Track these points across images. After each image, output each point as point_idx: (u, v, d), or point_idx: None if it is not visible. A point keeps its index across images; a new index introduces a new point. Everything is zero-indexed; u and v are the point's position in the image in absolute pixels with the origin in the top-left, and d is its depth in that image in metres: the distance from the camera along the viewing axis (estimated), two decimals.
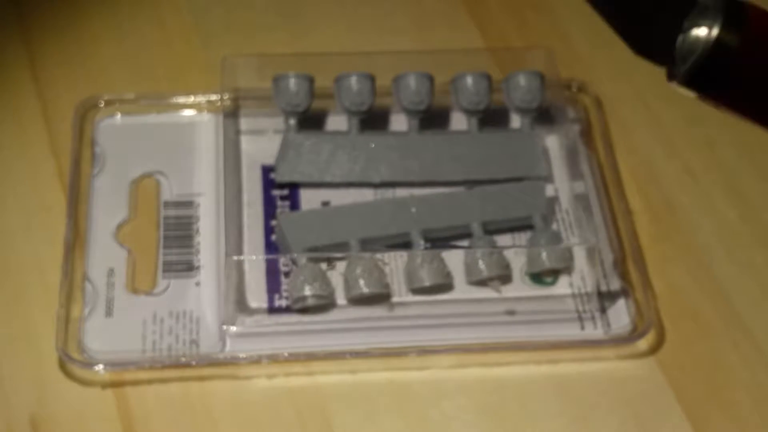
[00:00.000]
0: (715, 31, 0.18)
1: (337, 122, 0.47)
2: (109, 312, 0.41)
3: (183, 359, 0.40)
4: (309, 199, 0.45)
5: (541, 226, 0.44)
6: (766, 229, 0.46)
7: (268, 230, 0.44)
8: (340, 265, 0.42)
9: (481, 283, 0.43)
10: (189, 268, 0.43)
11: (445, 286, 0.43)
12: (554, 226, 0.45)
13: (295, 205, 0.45)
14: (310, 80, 0.45)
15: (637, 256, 0.44)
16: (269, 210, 0.45)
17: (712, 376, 0.41)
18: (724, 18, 0.18)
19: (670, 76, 0.18)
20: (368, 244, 0.43)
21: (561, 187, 0.46)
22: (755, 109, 0.19)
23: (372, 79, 0.45)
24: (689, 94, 0.18)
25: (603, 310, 0.43)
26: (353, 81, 0.45)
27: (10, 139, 0.46)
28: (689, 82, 0.18)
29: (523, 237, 0.45)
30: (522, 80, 0.46)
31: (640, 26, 0.18)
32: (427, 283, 0.42)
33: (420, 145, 0.46)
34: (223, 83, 0.46)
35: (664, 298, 0.43)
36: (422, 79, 0.46)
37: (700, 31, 0.18)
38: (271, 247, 0.44)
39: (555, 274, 0.43)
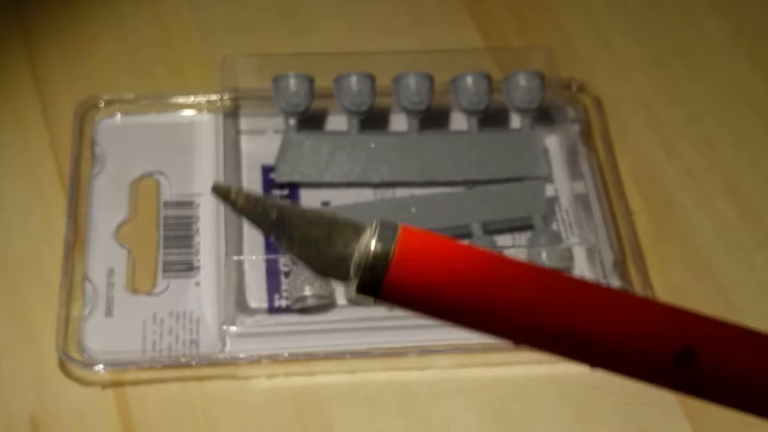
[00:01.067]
0: (371, 247, 0.21)
1: (337, 122, 0.47)
2: (109, 312, 0.41)
3: (183, 359, 0.40)
4: (309, 199, 0.45)
5: (541, 226, 0.44)
6: (766, 229, 0.46)
7: None
8: None
9: None
10: (189, 268, 0.43)
11: None
12: (554, 226, 0.45)
13: None
14: (310, 80, 0.45)
15: (637, 256, 0.44)
16: None
17: None
18: (378, 236, 0.21)
19: (350, 291, 0.21)
20: None
21: (561, 187, 0.46)
22: (432, 315, 0.22)
23: (372, 79, 0.45)
24: (369, 302, 0.21)
25: None
26: (353, 81, 0.45)
27: (10, 139, 0.46)
28: (362, 291, 0.21)
29: (523, 237, 0.45)
30: (522, 80, 0.46)
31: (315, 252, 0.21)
32: None
33: (420, 145, 0.46)
34: (223, 83, 0.46)
35: (664, 298, 0.43)
36: (422, 79, 0.46)
37: (361, 248, 0.21)
38: (271, 247, 0.44)
39: None
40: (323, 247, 0.22)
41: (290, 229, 0.22)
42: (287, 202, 0.22)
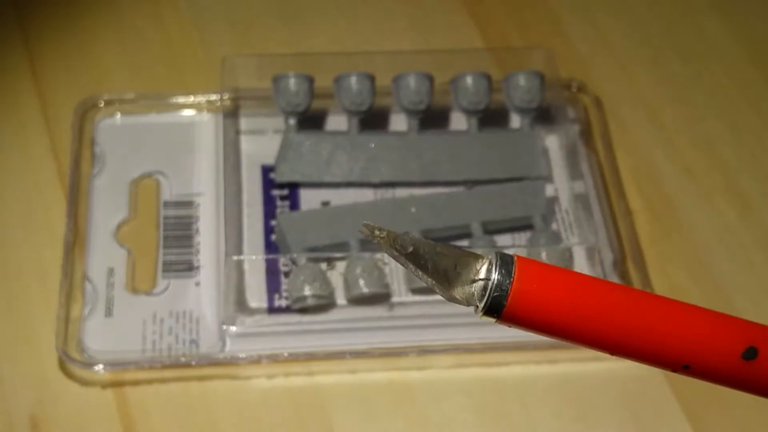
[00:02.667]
0: (493, 277, 0.25)
1: (337, 122, 0.47)
2: (109, 312, 0.41)
3: (183, 359, 0.40)
4: (309, 199, 0.45)
5: (541, 226, 0.44)
6: (766, 229, 0.46)
7: (268, 230, 0.44)
8: (340, 265, 0.42)
9: None
10: (189, 268, 0.43)
11: None
12: (554, 226, 0.45)
13: (294, 205, 0.45)
14: (310, 80, 0.45)
15: (637, 256, 0.44)
16: (269, 210, 0.45)
17: None
18: (498, 265, 0.25)
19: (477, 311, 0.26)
20: (368, 244, 0.43)
21: (561, 187, 0.46)
22: (550, 333, 0.28)
23: (372, 79, 0.45)
24: (491, 321, 0.26)
25: None
26: (353, 81, 0.45)
27: (10, 139, 0.46)
28: (486, 314, 0.26)
29: (523, 237, 0.45)
30: (522, 80, 0.46)
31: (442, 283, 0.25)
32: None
33: (420, 145, 0.46)
34: (223, 83, 0.46)
35: None
36: (422, 79, 0.46)
37: (482, 278, 0.25)
38: (271, 247, 0.44)
39: None
40: (451, 275, 0.26)
41: (423, 261, 0.26)
42: (420, 237, 0.26)
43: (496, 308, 0.26)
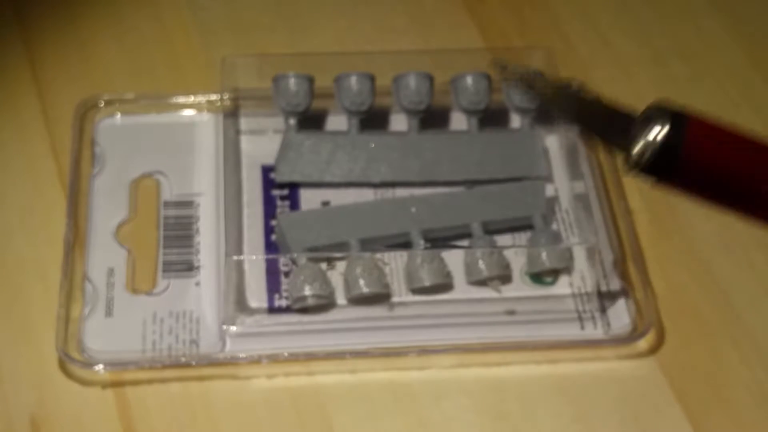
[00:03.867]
0: (664, 132, 0.24)
1: (337, 122, 0.47)
2: (109, 312, 0.41)
3: (183, 359, 0.40)
4: (309, 199, 0.45)
5: (541, 226, 0.44)
6: (766, 229, 0.46)
7: (268, 230, 0.44)
8: (340, 265, 0.42)
9: (481, 283, 0.43)
10: (189, 268, 0.43)
11: (445, 286, 0.43)
12: (554, 226, 0.45)
13: (295, 205, 0.45)
14: (310, 80, 0.45)
15: (637, 256, 0.44)
16: (269, 210, 0.45)
17: (712, 376, 0.41)
18: (671, 123, 0.24)
19: (630, 167, 0.24)
20: (368, 244, 0.43)
21: (561, 187, 0.46)
22: (707, 196, 0.24)
23: (372, 79, 0.45)
24: (649, 180, 0.25)
25: (603, 310, 0.43)
26: (353, 81, 0.45)
27: (10, 139, 0.46)
28: (647, 172, 0.24)
29: (523, 237, 0.45)
30: None
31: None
32: (427, 283, 0.42)
33: (420, 145, 0.46)
34: (223, 83, 0.46)
35: (664, 298, 0.43)
36: (422, 79, 0.46)
37: (652, 134, 0.24)
38: (271, 247, 0.44)
39: (555, 274, 0.43)
40: (612, 117, 0.24)
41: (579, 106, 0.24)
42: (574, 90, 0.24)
43: (663, 166, 0.24)
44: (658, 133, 0.24)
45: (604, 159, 0.47)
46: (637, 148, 0.24)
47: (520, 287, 0.43)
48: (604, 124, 0.25)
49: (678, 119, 0.24)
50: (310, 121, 0.46)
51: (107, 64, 0.49)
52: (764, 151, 0.26)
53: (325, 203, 0.45)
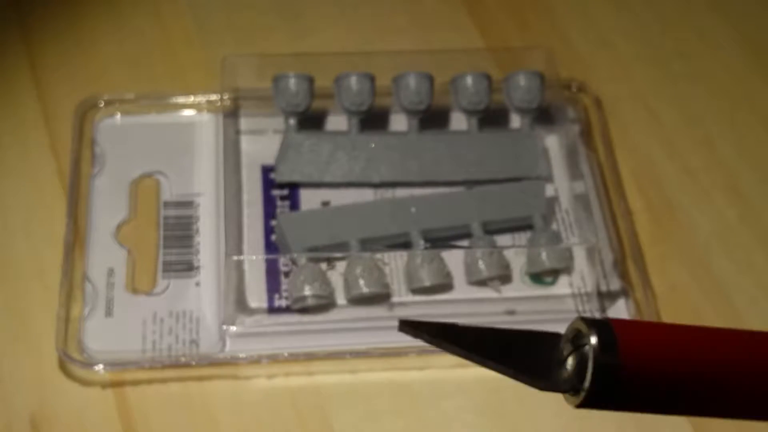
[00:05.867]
0: (594, 355, 0.19)
1: (337, 122, 0.47)
2: (109, 312, 0.41)
3: (183, 359, 0.40)
4: (309, 199, 0.45)
5: (541, 226, 0.44)
6: (766, 229, 0.46)
7: (268, 230, 0.44)
8: (340, 265, 0.42)
9: (481, 283, 0.43)
10: (189, 268, 0.43)
11: (445, 286, 0.43)
12: (554, 226, 0.45)
13: (295, 205, 0.45)
14: (310, 80, 0.45)
15: (637, 256, 0.44)
16: (269, 210, 0.45)
17: None
18: (599, 341, 0.20)
19: (570, 402, 0.20)
20: (368, 244, 0.43)
21: (561, 187, 0.46)
22: (658, 410, 0.22)
23: (372, 79, 0.45)
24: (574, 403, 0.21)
25: (603, 310, 0.43)
26: (353, 81, 0.45)
27: (10, 140, 0.46)
28: (589, 405, 0.21)
29: (523, 237, 0.45)
30: (522, 80, 0.46)
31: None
32: (427, 283, 0.42)
33: (420, 145, 0.46)
34: (223, 83, 0.46)
35: (664, 298, 0.43)
36: (422, 79, 0.46)
37: (581, 358, 0.20)
38: (271, 247, 0.44)
39: (555, 274, 0.43)
40: (528, 361, 0.21)
41: (489, 350, 0.21)
42: (468, 326, 0.21)
43: (604, 389, 0.20)
44: (588, 347, 0.20)
45: (604, 159, 0.47)
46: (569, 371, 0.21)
47: (520, 287, 0.43)
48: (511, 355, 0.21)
49: (603, 328, 0.21)
50: (310, 121, 0.46)
51: (107, 64, 0.49)
52: (699, 331, 0.23)
53: (325, 203, 0.45)
